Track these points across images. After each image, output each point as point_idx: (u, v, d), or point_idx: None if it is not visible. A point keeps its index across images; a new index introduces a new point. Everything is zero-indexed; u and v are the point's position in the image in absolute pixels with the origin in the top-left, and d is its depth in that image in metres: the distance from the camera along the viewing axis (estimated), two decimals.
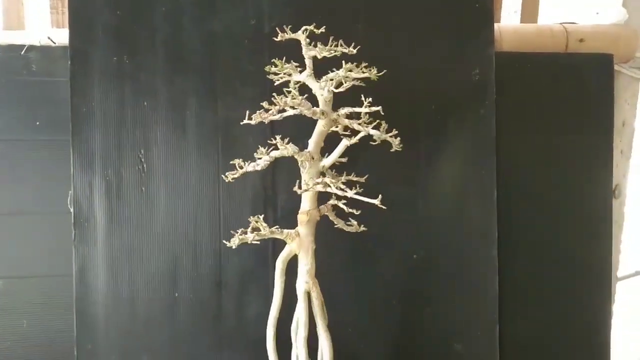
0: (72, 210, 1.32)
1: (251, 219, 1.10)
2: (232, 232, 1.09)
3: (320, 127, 1.10)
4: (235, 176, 1.10)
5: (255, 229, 1.09)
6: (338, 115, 1.10)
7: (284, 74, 1.10)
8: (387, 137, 1.10)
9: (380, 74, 1.10)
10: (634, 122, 1.62)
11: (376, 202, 1.04)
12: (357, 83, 1.10)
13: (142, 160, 1.32)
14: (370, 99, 1.07)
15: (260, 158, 1.09)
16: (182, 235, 1.33)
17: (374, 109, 1.08)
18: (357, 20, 1.35)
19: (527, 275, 1.46)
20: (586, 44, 1.44)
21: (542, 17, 1.66)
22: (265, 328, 1.33)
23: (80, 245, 1.32)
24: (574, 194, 1.45)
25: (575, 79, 1.43)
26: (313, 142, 1.10)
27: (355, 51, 1.07)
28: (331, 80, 1.09)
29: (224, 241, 1.10)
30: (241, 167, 1.10)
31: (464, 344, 1.41)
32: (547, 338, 1.47)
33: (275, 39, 1.08)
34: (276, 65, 1.09)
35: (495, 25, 1.40)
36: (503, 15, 1.77)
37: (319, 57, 1.07)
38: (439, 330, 1.41)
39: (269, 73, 1.11)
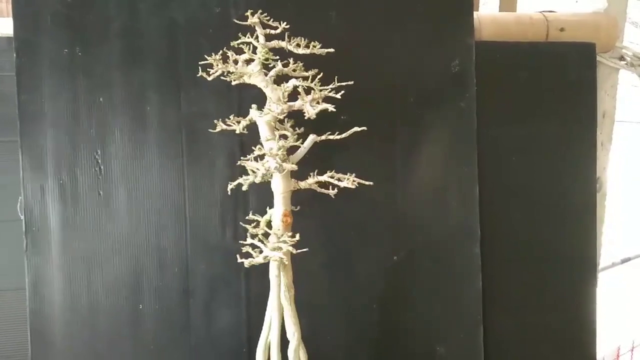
0: (22, 217, 1.20)
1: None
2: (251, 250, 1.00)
3: (272, 123, 1.03)
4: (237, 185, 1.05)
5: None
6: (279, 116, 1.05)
7: (220, 62, 1.01)
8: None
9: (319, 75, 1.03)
10: (614, 113, 1.59)
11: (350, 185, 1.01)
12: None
13: (99, 161, 1.22)
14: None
15: (256, 170, 1.03)
16: (145, 241, 1.23)
17: (320, 107, 0.99)
18: (331, 7, 1.27)
19: (511, 272, 1.41)
20: (567, 33, 1.40)
21: (519, 5, 1.62)
22: (238, 339, 1.26)
23: (33, 255, 1.21)
24: (558, 187, 1.41)
25: (557, 68, 1.38)
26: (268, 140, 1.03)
27: (333, 50, 1.02)
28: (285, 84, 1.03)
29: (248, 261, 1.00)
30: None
31: (447, 347, 1.36)
32: (532, 337, 1.43)
33: (237, 21, 1.00)
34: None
35: (474, 13, 1.35)
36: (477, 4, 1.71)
37: (296, 51, 0.99)
38: (421, 334, 1.35)
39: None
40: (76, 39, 1.20)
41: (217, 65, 1.02)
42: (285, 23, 1.00)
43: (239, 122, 1.06)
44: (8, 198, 1.24)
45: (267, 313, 1.08)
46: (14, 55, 1.18)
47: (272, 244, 1.00)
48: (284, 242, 0.99)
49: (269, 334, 1.07)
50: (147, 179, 1.22)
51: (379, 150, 1.30)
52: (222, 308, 1.26)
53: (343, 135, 1.05)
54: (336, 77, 1.02)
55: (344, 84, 1.01)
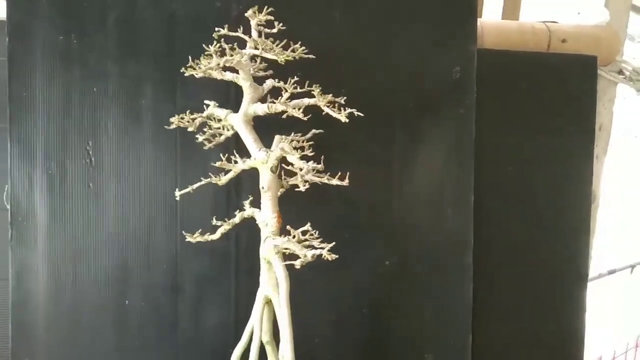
0: (8, 206, 1.17)
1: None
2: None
3: (251, 123, 1.02)
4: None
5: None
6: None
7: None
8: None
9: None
10: (610, 126, 1.60)
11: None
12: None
13: (90, 152, 1.19)
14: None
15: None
16: (134, 236, 1.21)
17: (348, 111, 0.95)
18: (334, 7, 1.25)
19: (503, 283, 1.41)
20: (568, 45, 1.40)
21: (522, 14, 1.61)
22: (225, 338, 1.24)
23: (18, 246, 1.17)
24: (553, 198, 1.41)
25: (558, 79, 1.38)
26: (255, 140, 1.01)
27: (314, 57, 0.97)
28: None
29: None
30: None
31: (435, 355, 1.35)
32: (521, 348, 1.43)
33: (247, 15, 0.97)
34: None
35: (477, 20, 1.34)
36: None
37: (279, 58, 0.95)
38: (409, 340, 1.34)
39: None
40: (72, 26, 1.16)
41: (216, 55, 0.98)
42: (280, 24, 0.97)
43: (194, 120, 1.04)
44: None
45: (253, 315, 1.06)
46: (6, 39, 1.14)
47: (295, 244, 0.96)
48: (308, 239, 0.96)
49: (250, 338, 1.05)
50: (139, 173, 1.20)
51: (376, 155, 1.29)
52: (210, 306, 1.24)
53: (306, 137, 1.05)
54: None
55: (343, 110, 0.97)
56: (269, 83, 1.02)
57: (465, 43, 1.30)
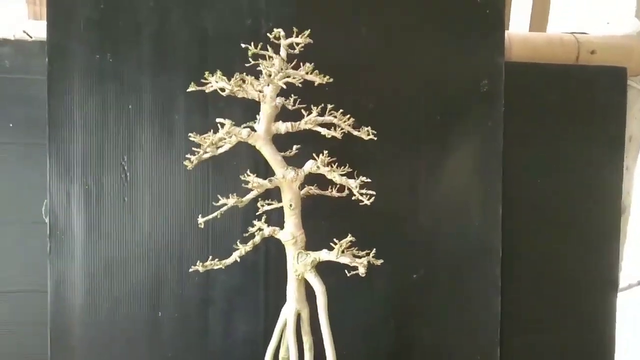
0: (47, 220, 1.21)
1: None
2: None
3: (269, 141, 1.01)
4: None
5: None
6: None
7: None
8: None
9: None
10: None
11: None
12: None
13: (125, 167, 1.22)
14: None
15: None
16: (167, 249, 1.24)
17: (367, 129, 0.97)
18: (360, 22, 1.26)
19: (531, 295, 1.40)
20: (598, 56, 1.38)
21: (549, 26, 1.60)
22: (256, 350, 1.26)
23: (56, 258, 1.21)
24: (582, 210, 1.40)
25: (587, 92, 1.37)
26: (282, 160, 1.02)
27: (332, 79, 0.95)
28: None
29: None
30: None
31: None
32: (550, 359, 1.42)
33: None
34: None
35: (505, 33, 1.33)
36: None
37: (319, 81, 0.95)
38: (437, 353, 1.35)
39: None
40: (107, 45, 1.20)
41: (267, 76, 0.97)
42: (300, 46, 0.96)
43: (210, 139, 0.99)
44: (33, 200, 1.24)
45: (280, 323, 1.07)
46: (46, 59, 1.18)
47: (350, 255, 0.98)
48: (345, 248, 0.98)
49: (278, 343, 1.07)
50: (172, 187, 1.23)
51: (403, 167, 1.30)
52: (240, 319, 1.27)
53: (292, 153, 1.08)
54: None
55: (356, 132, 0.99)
56: (279, 100, 1.01)
57: (493, 55, 1.30)
